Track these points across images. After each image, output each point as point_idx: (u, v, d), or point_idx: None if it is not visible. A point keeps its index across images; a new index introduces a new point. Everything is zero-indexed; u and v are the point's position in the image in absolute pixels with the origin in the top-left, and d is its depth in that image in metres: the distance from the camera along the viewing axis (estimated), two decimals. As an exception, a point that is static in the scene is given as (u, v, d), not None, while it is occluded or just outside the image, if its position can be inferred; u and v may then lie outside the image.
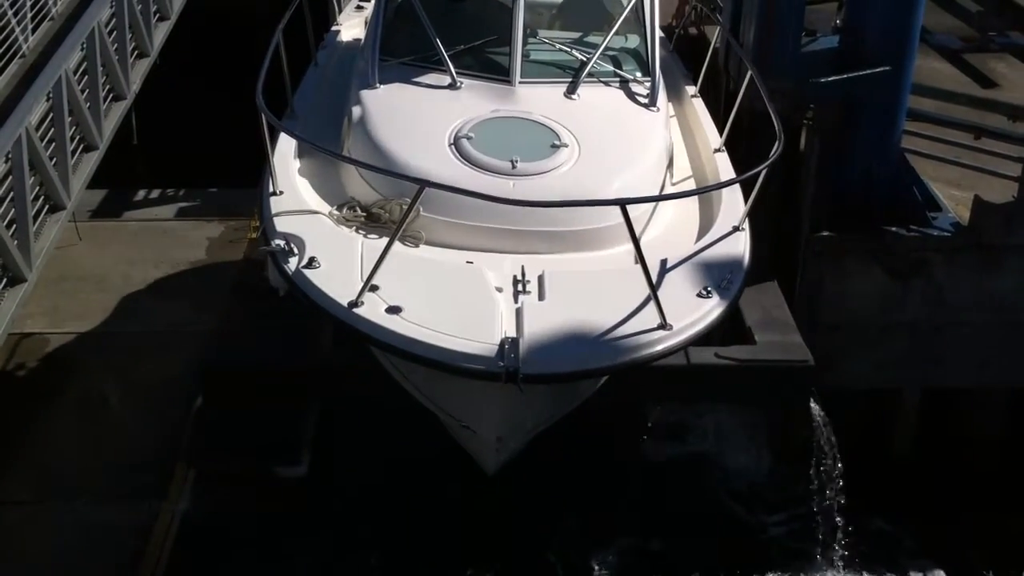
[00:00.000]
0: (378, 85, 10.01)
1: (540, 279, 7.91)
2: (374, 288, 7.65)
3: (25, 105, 10.70)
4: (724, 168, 9.96)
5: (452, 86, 9.92)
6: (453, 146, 9.04)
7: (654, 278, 7.71)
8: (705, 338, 8.06)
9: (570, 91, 10.00)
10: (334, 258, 8.06)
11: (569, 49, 10.44)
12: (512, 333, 7.36)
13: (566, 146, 9.12)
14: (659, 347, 7.60)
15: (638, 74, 10.48)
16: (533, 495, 11.37)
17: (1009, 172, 13.09)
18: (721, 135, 10.42)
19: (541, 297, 7.78)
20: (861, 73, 12.31)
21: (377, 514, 11.69)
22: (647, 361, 7.59)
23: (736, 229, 8.84)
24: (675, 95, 11.22)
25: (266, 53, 9.64)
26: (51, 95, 11.28)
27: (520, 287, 7.85)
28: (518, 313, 7.57)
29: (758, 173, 8.59)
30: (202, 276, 14.33)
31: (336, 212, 8.90)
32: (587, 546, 11.83)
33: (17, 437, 11.58)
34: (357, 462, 11.66)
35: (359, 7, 13.44)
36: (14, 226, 10.21)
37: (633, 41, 10.82)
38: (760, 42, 12.67)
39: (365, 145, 9.30)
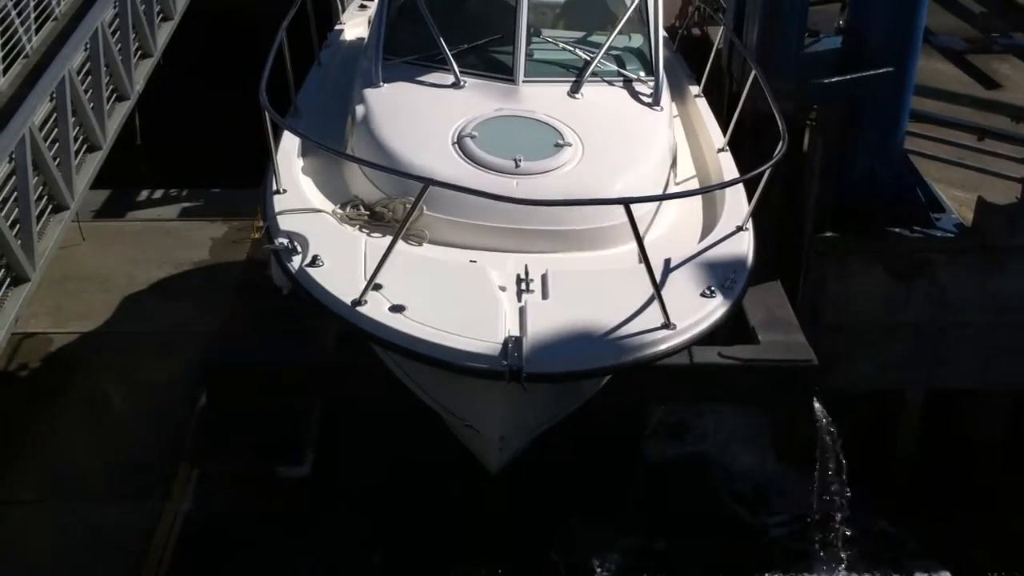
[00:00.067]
0: (382, 84, 10.01)
1: (544, 278, 7.91)
2: (377, 287, 7.65)
3: (29, 105, 10.69)
4: (728, 168, 9.95)
5: (456, 85, 9.92)
6: (457, 145, 9.04)
7: (658, 277, 7.70)
8: (708, 338, 8.06)
9: (574, 90, 10.00)
10: (337, 257, 8.06)
11: (573, 48, 10.44)
12: (516, 332, 7.37)
13: (570, 145, 9.12)
14: (662, 346, 7.60)
15: (642, 74, 10.48)
16: (536, 495, 11.36)
17: (1012, 173, 13.11)
18: (724, 135, 10.42)
19: (545, 296, 7.78)
20: (864, 74, 12.33)
21: (380, 513, 11.68)
22: (650, 360, 7.59)
23: (740, 229, 8.84)
24: (679, 95, 11.21)
25: (269, 52, 9.65)
26: (55, 95, 11.27)
27: (524, 286, 7.85)
28: (521, 312, 7.57)
29: (762, 173, 8.59)
30: (205, 276, 14.28)
31: (340, 211, 8.89)
32: (590, 546, 11.83)
33: (20, 437, 11.55)
34: (360, 461, 11.65)
35: (362, 6, 13.43)
36: (18, 226, 10.20)
37: (637, 41, 10.82)
38: (763, 43, 12.67)
39: (369, 144, 9.30)
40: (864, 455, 11.96)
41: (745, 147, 10.77)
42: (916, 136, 13.49)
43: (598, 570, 11.66)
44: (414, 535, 11.57)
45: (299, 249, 8.19)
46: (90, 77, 12.40)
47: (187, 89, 18.74)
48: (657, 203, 9.10)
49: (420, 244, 8.49)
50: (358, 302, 7.60)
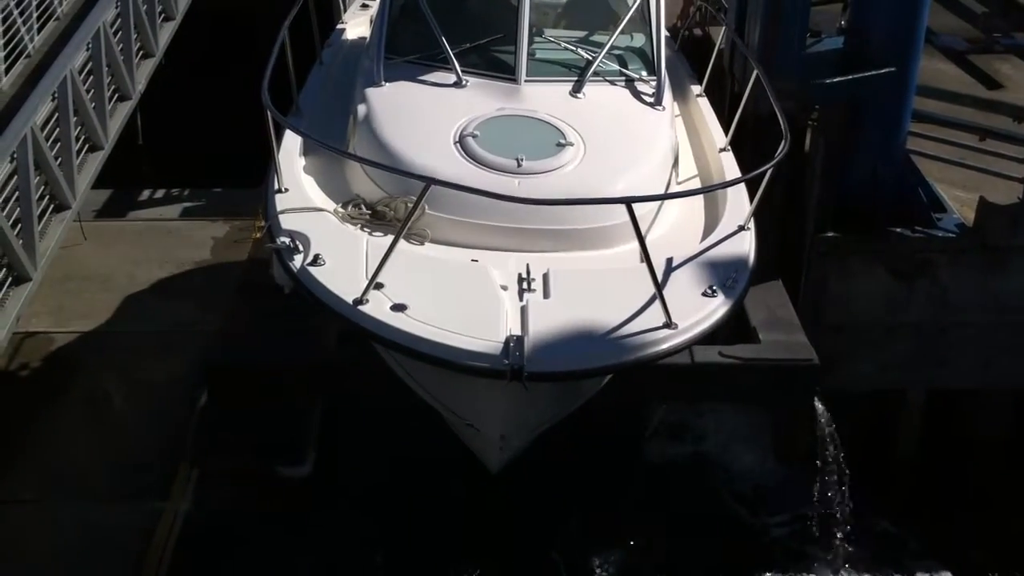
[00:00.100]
0: (383, 83, 10.01)
1: (545, 277, 7.90)
2: (379, 286, 7.65)
3: (31, 105, 10.69)
4: (729, 167, 9.95)
5: (458, 84, 9.92)
6: (458, 144, 9.03)
7: (659, 277, 7.70)
8: (709, 337, 8.05)
9: (576, 90, 10.00)
10: (339, 256, 8.06)
11: (575, 48, 10.44)
12: (517, 331, 7.36)
13: (571, 145, 9.12)
14: (664, 346, 7.59)
15: (644, 73, 10.48)
16: (536, 494, 11.37)
17: (1014, 173, 13.10)
18: (726, 135, 10.41)
19: (546, 295, 7.77)
20: (866, 74, 12.32)
21: (380, 512, 11.69)
22: (651, 360, 7.59)
23: (741, 228, 8.83)
24: (680, 94, 11.21)
25: (271, 51, 9.65)
26: (56, 95, 11.27)
27: (525, 285, 7.84)
28: (523, 311, 7.57)
29: (764, 172, 8.58)
30: (207, 276, 14.29)
31: (341, 210, 8.89)
32: (590, 545, 11.84)
33: (20, 436, 11.56)
34: (361, 461, 11.65)
35: (364, 5, 13.43)
36: (19, 226, 10.21)
37: (639, 40, 10.81)
38: (765, 43, 12.66)
39: (370, 143, 9.30)
40: (865, 455, 11.97)
41: (747, 147, 10.75)
42: (918, 136, 13.49)
43: (598, 569, 11.66)
44: (415, 534, 11.57)
45: (301, 248, 8.19)
46: (92, 77, 12.40)
47: (189, 89, 18.75)
48: (659, 203, 9.09)
49: (422, 243, 8.49)
50: (360, 301, 7.60)
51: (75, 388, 12.29)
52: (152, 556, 10.48)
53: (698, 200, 9.52)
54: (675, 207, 9.30)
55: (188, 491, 11.16)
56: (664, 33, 10.92)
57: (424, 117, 9.63)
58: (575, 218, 8.59)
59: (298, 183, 9.09)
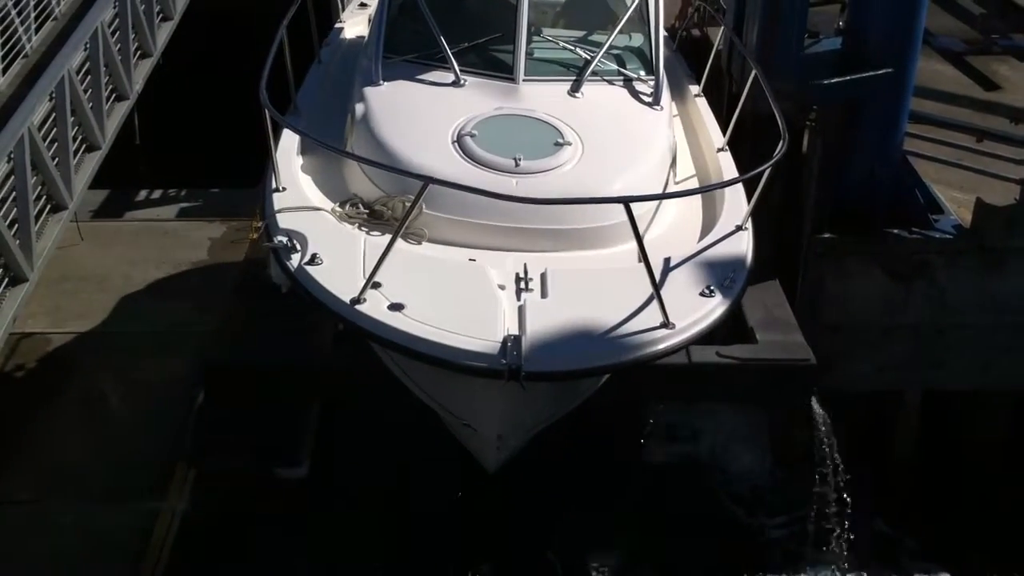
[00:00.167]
0: (381, 82, 10.01)
1: (543, 277, 7.89)
2: (376, 285, 7.64)
3: (28, 105, 10.71)
4: (727, 167, 9.95)
5: (456, 84, 9.91)
6: (456, 143, 9.03)
7: (657, 277, 7.69)
8: (707, 337, 8.05)
9: (574, 89, 9.99)
10: (336, 255, 8.04)
11: (573, 47, 10.44)
12: (514, 331, 7.35)
13: (570, 144, 9.12)
14: (661, 346, 7.59)
15: (642, 73, 10.48)
16: (533, 494, 11.36)
17: (1011, 175, 13.12)
18: (724, 135, 10.42)
19: (544, 295, 7.76)
20: (863, 75, 12.34)
21: (378, 514, 11.66)
22: (649, 360, 7.58)
23: (739, 228, 8.83)
24: (678, 94, 11.21)
25: (269, 50, 9.64)
26: (54, 95, 11.28)
27: (523, 285, 7.83)
28: (520, 311, 7.55)
29: (762, 172, 8.58)
30: (204, 277, 14.28)
31: (339, 209, 8.88)
32: (587, 546, 11.83)
33: (17, 437, 11.54)
34: (358, 461, 11.62)
35: (363, 4, 13.42)
36: (16, 226, 10.22)
37: (637, 40, 10.82)
38: (763, 44, 12.68)
39: (368, 142, 9.29)
40: (862, 456, 11.95)
41: (744, 148, 10.76)
42: (915, 137, 13.50)
43: (594, 570, 11.66)
44: (412, 535, 11.55)
45: (298, 247, 8.17)
46: (89, 77, 12.42)
47: (186, 89, 18.75)
48: (657, 202, 9.09)
49: (419, 243, 8.48)
50: (357, 300, 7.59)
51: (72, 389, 12.28)
52: (149, 557, 10.47)
53: (696, 200, 9.52)
54: (673, 207, 9.30)
55: (185, 492, 11.14)
56: (663, 33, 10.92)
57: (422, 116, 9.62)
58: (573, 218, 8.58)
59: (296, 182, 9.08)
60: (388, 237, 7.73)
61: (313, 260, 7.99)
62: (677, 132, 10.45)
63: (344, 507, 11.59)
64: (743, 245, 8.70)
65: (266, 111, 8.70)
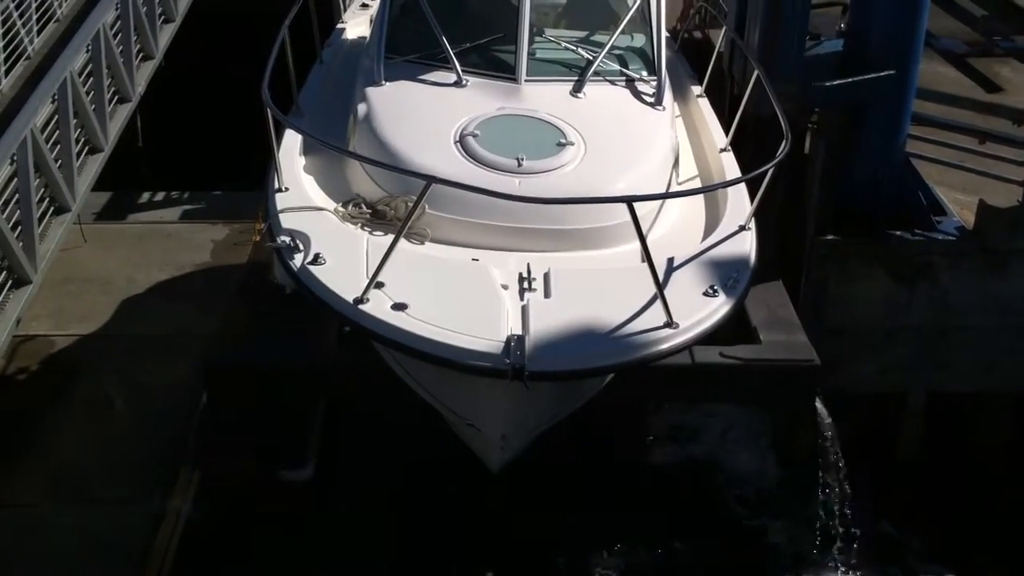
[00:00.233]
0: (384, 82, 10.00)
1: (546, 277, 7.88)
2: (379, 285, 7.63)
3: (30, 107, 10.72)
4: (730, 167, 9.95)
5: (458, 84, 9.91)
6: (459, 144, 9.02)
7: (660, 276, 7.68)
8: (710, 337, 8.03)
9: (576, 89, 9.98)
10: (339, 255, 8.03)
11: (575, 48, 10.42)
12: (518, 330, 7.34)
13: (572, 144, 9.11)
14: (665, 345, 7.57)
15: (644, 73, 10.47)
16: (537, 494, 11.35)
17: (1014, 176, 13.09)
18: (727, 135, 10.41)
19: (547, 295, 7.75)
20: (866, 77, 12.31)
21: (382, 514, 11.66)
22: (653, 359, 7.57)
23: (742, 228, 8.82)
24: (681, 94, 11.20)
25: (271, 51, 9.65)
26: (56, 97, 11.30)
27: (526, 285, 7.82)
28: (524, 311, 7.54)
29: (765, 172, 8.58)
30: (207, 279, 14.29)
31: (341, 209, 8.87)
32: (590, 547, 11.81)
33: (21, 439, 11.54)
34: (361, 462, 11.64)
35: (364, 4, 13.43)
36: (19, 228, 10.24)
37: (639, 40, 10.81)
38: (765, 45, 12.66)
39: (371, 142, 9.29)
40: (866, 457, 11.94)
41: (747, 149, 10.75)
42: (917, 139, 13.48)
43: (598, 571, 11.64)
44: (416, 535, 11.55)
45: (301, 247, 8.17)
46: (92, 79, 12.43)
47: (188, 91, 18.76)
48: (660, 202, 9.08)
49: (422, 242, 8.47)
50: (360, 300, 7.58)
51: (75, 391, 12.28)
52: (154, 559, 10.47)
53: (699, 200, 9.51)
54: (676, 207, 9.29)
55: (189, 494, 11.16)
56: (664, 33, 10.92)
57: (424, 116, 9.62)
58: (576, 218, 8.57)
59: (298, 182, 9.08)
60: (391, 237, 7.72)
61: (316, 260, 7.98)
62: (679, 133, 10.45)
63: (348, 507, 11.61)
64: (747, 245, 8.69)
65: (268, 111, 8.71)
